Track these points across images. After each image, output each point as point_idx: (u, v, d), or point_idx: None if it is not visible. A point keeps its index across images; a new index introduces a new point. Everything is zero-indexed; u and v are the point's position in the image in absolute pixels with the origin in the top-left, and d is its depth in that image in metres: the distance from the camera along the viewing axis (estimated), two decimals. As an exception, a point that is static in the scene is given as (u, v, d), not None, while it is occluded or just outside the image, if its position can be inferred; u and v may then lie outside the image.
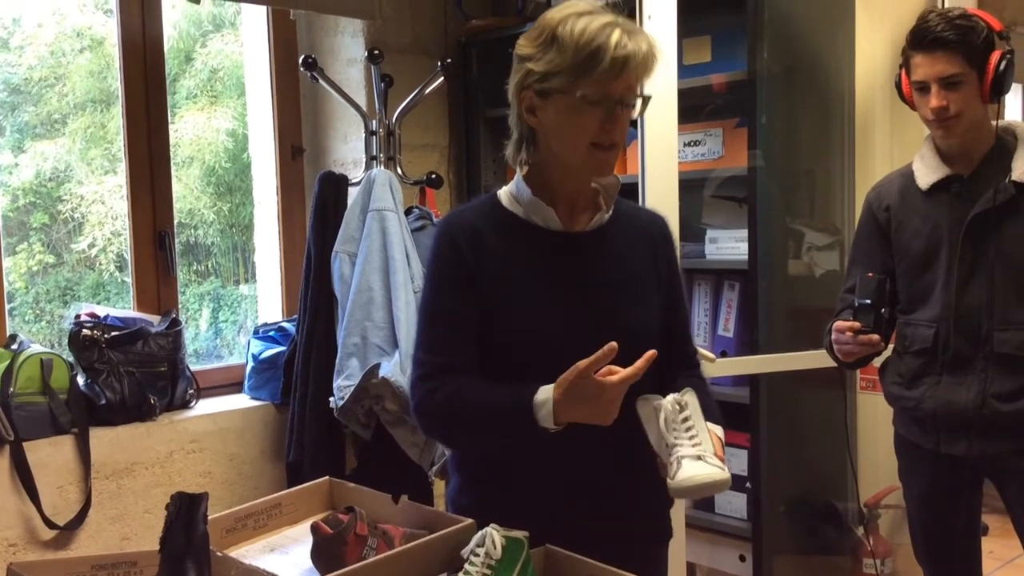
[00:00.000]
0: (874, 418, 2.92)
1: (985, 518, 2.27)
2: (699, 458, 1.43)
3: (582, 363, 1.40)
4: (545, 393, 1.45)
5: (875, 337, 2.01)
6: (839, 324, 2.05)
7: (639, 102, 1.52)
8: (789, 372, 2.74)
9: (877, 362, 2.24)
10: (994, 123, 2.08)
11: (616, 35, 1.46)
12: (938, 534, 2.20)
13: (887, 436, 2.33)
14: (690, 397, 1.49)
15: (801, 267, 2.97)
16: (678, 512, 2.53)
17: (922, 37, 2.00)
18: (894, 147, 2.96)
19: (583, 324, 1.55)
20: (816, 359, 2.55)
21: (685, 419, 1.47)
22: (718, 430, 1.53)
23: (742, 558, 2.90)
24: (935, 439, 2.11)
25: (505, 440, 1.55)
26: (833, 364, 2.24)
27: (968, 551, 2.21)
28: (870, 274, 2.09)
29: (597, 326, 1.55)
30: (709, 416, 1.53)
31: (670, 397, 1.48)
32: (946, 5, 2.55)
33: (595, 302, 1.58)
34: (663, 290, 1.65)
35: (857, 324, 2.02)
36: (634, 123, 2.48)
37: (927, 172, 2.12)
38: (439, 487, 2.81)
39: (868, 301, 2.04)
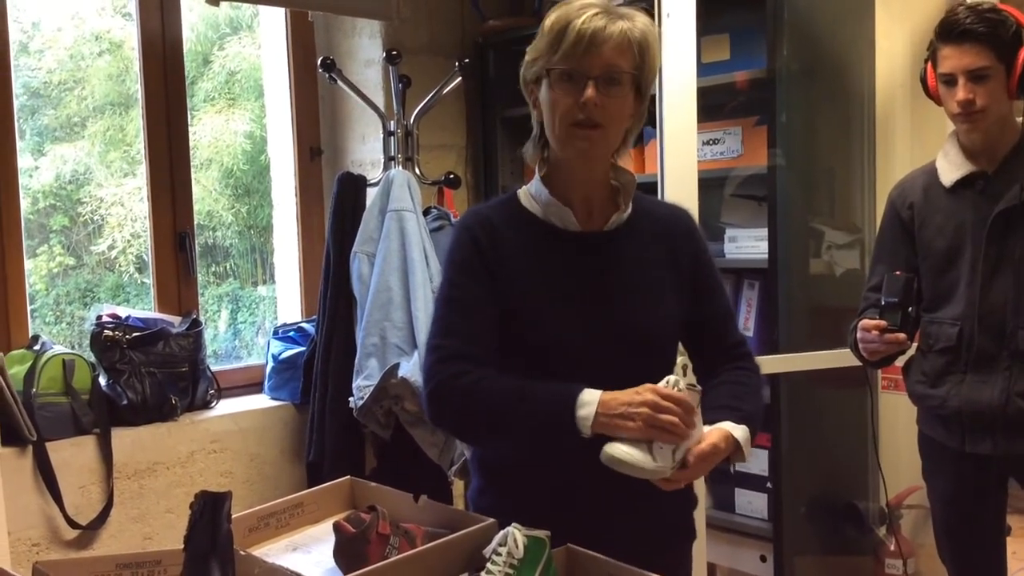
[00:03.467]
0: (895, 418, 2.90)
1: (1009, 519, 2.25)
2: (646, 445, 1.38)
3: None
4: (592, 394, 1.42)
5: (901, 336, 2.00)
6: (865, 323, 2.04)
7: (628, 81, 1.49)
8: (810, 371, 2.72)
9: (900, 361, 2.22)
10: (1019, 119, 2.07)
11: (588, 14, 1.47)
12: (963, 534, 2.18)
13: (908, 436, 2.31)
14: (693, 395, 1.42)
15: (821, 266, 2.95)
16: (699, 512, 2.52)
17: (951, 29, 1.99)
18: (915, 145, 2.94)
19: (597, 326, 1.54)
20: (837, 358, 2.54)
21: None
22: (738, 431, 1.48)
23: (763, 558, 2.88)
24: (960, 438, 2.09)
25: (528, 433, 1.49)
26: (856, 363, 2.22)
27: (993, 551, 2.19)
28: (897, 272, 2.07)
29: (611, 328, 1.55)
30: (737, 415, 1.50)
31: (682, 383, 1.42)
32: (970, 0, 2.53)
33: (610, 304, 1.56)
34: (688, 286, 1.62)
35: (883, 323, 2.01)
36: (653, 122, 2.50)
37: (951, 169, 2.10)
38: (459, 487, 2.81)
39: (895, 299, 2.02)
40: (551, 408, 1.44)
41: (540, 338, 1.54)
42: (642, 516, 1.57)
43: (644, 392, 1.40)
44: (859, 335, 2.07)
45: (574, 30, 1.46)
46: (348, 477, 1.80)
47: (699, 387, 1.44)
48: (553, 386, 1.46)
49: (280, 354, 2.98)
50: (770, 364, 2.72)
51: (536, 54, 1.53)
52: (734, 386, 1.58)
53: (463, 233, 1.59)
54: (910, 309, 2.03)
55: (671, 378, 1.43)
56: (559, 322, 1.54)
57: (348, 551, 1.48)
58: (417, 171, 2.92)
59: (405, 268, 2.67)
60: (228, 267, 3.41)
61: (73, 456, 2.48)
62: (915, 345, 2.19)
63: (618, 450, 1.38)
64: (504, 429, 1.52)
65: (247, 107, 3.35)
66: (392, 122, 2.92)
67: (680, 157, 2.45)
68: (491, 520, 1.47)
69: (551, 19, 1.51)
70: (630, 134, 1.60)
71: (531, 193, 1.62)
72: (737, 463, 1.54)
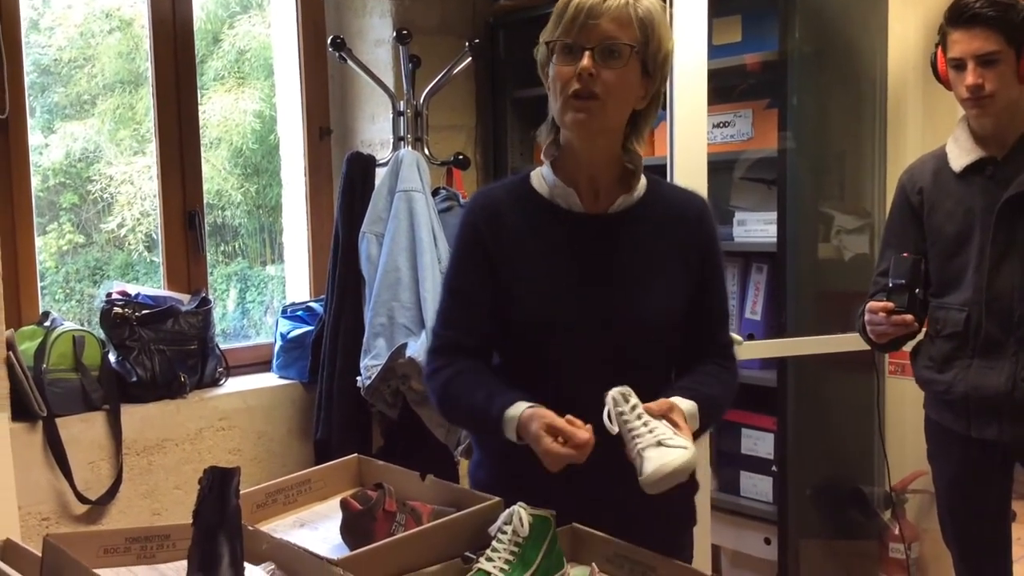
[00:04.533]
0: (901, 402, 2.90)
1: (1014, 504, 2.25)
2: (659, 444, 1.38)
3: (552, 424, 1.41)
4: (517, 410, 1.46)
5: (909, 317, 1.99)
6: (873, 305, 2.03)
7: (628, 54, 1.48)
8: (817, 355, 2.72)
9: (908, 346, 2.22)
10: None
11: None
12: (967, 519, 2.18)
13: (914, 420, 2.31)
14: (627, 389, 1.43)
15: (830, 250, 2.94)
16: (704, 495, 2.52)
17: (961, 13, 1.98)
18: (926, 129, 2.92)
19: (596, 309, 1.55)
20: (844, 342, 2.53)
21: (634, 406, 1.41)
22: (684, 404, 1.48)
23: (767, 541, 2.89)
24: (966, 423, 2.09)
25: (490, 438, 1.58)
26: (863, 347, 2.22)
27: (997, 536, 2.19)
28: (905, 254, 2.07)
29: (610, 311, 1.55)
30: (690, 393, 1.50)
31: (614, 390, 1.42)
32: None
33: (607, 286, 1.56)
34: (693, 277, 1.61)
35: (891, 304, 2.00)
36: (663, 104, 2.49)
37: (961, 154, 2.09)
38: (464, 466, 2.82)
39: (903, 281, 2.02)
40: (491, 422, 1.49)
41: (536, 318, 1.56)
42: (640, 499, 1.56)
43: (539, 434, 1.40)
44: (867, 317, 2.06)
45: (574, 4, 1.48)
46: (355, 455, 1.81)
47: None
48: (494, 400, 1.49)
49: (288, 333, 2.99)
50: (777, 348, 2.73)
51: (544, 35, 1.54)
52: (702, 374, 1.59)
53: (465, 218, 1.63)
54: (917, 291, 2.02)
55: (615, 389, 1.42)
56: (554, 302, 1.55)
57: (355, 528, 1.50)
58: (426, 151, 2.92)
59: (414, 248, 2.68)
60: (237, 246, 3.42)
61: (83, 432, 2.50)
62: (923, 330, 2.19)
63: (664, 463, 1.35)
64: (471, 429, 1.69)
65: (257, 86, 3.35)
66: (402, 102, 2.92)
67: (690, 139, 2.44)
68: (497, 499, 1.48)
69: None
70: (644, 118, 1.58)
71: (542, 174, 1.62)
72: None
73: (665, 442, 1.38)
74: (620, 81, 1.49)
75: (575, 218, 1.58)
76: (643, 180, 1.61)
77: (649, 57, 1.51)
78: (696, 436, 1.52)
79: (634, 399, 1.42)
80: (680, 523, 1.70)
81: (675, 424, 1.42)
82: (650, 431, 1.39)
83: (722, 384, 1.61)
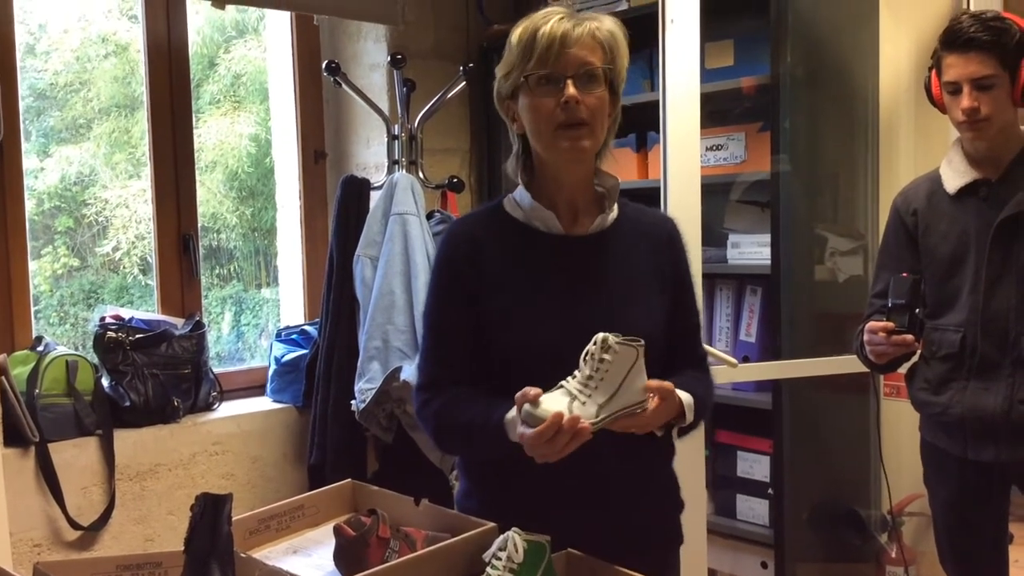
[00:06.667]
0: (897, 425, 2.89)
1: (1011, 526, 2.24)
2: (572, 397, 1.38)
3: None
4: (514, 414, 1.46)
5: (909, 337, 1.98)
6: (872, 325, 2.03)
7: (604, 77, 1.51)
8: (812, 378, 2.72)
9: (903, 368, 2.22)
10: (1023, 127, 2.06)
11: (554, 19, 1.51)
12: (965, 541, 2.18)
13: (910, 443, 2.31)
14: (623, 348, 1.39)
15: (824, 272, 2.95)
16: (699, 518, 2.52)
17: (956, 37, 1.99)
18: (919, 151, 2.93)
19: (581, 330, 1.53)
20: (839, 365, 2.53)
21: (602, 360, 1.39)
22: (683, 394, 1.50)
23: (764, 565, 2.88)
24: (962, 445, 2.09)
25: (490, 453, 1.56)
26: (859, 370, 2.22)
27: (994, 559, 2.18)
28: (904, 274, 2.07)
29: (591, 330, 1.53)
30: (683, 387, 1.51)
31: (604, 335, 1.40)
32: (972, 7, 2.53)
33: (593, 307, 1.57)
34: (667, 293, 1.63)
35: (891, 324, 1.99)
36: (657, 127, 2.50)
37: (955, 176, 2.10)
38: (460, 491, 2.81)
39: (902, 301, 2.01)
40: (493, 436, 1.47)
41: (524, 343, 1.55)
42: (623, 517, 1.57)
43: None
44: (866, 337, 2.05)
45: (544, 35, 1.49)
46: (349, 480, 1.80)
47: (640, 341, 1.42)
48: (495, 408, 1.48)
49: (283, 357, 2.98)
50: (772, 370, 2.73)
51: (509, 67, 1.55)
52: (688, 377, 1.60)
53: (442, 252, 1.64)
54: (917, 311, 2.02)
55: (604, 335, 1.40)
56: (543, 327, 1.55)
57: (348, 554, 1.48)
58: (421, 175, 2.93)
59: (408, 272, 2.68)
60: (232, 269, 3.42)
61: (75, 457, 2.49)
62: (918, 352, 2.19)
63: (542, 408, 1.36)
64: (471, 453, 1.65)
65: (252, 110, 3.36)
66: (396, 126, 2.93)
67: (684, 163, 2.45)
68: (491, 524, 1.47)
69: (518, 31, 1.53)
70: (610, 136, 1.61)
71: (515, 199, 1.63)
72: (678, 431, 1.57)
73: (578, 397, 1.37)
74: (600, 104, 1.52)
75: (556, 240, 1.59)
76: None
77: (615, 77, 1.55)
78: (686, 432, 1.58)
79: (608, 353, 1.39)
80: (664, 541, 1.70)
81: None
82: (579, 382, 1.39)
83: (706, 388, 1.64)
